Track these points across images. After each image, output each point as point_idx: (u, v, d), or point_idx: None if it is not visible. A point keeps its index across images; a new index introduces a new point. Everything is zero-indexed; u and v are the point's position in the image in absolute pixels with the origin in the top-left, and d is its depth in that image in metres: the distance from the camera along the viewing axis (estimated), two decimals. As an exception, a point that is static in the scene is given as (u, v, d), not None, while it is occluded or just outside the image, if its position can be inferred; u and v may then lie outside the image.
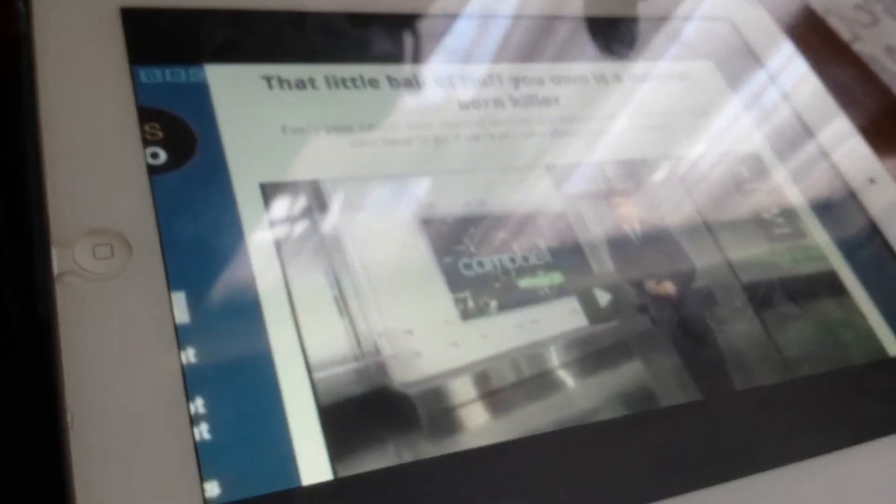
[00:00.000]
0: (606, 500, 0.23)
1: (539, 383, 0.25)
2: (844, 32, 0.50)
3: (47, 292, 0.21)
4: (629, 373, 0.26)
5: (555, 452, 0.24)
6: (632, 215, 0.30)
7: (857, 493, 0.26)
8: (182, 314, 0.22)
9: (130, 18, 0.27)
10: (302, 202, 0.26)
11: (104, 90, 0.25)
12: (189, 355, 0.21)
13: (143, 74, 0.26)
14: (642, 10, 0.37)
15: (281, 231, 0.25)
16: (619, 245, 0.29)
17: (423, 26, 0.32)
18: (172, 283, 0.22)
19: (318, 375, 0.23)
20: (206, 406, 0.21)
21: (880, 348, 0.30)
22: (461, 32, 0.33)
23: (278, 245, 0.25)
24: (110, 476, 0.19)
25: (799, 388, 0.28)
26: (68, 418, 0.19)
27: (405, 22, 0.32)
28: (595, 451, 0.24)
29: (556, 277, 0.27)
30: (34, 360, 0.21)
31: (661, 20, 0.37)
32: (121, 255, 0.22)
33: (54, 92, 0.25)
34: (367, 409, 0.23)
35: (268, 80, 0.28)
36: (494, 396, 0.24)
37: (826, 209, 0.34)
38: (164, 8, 0.28)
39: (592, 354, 0.26)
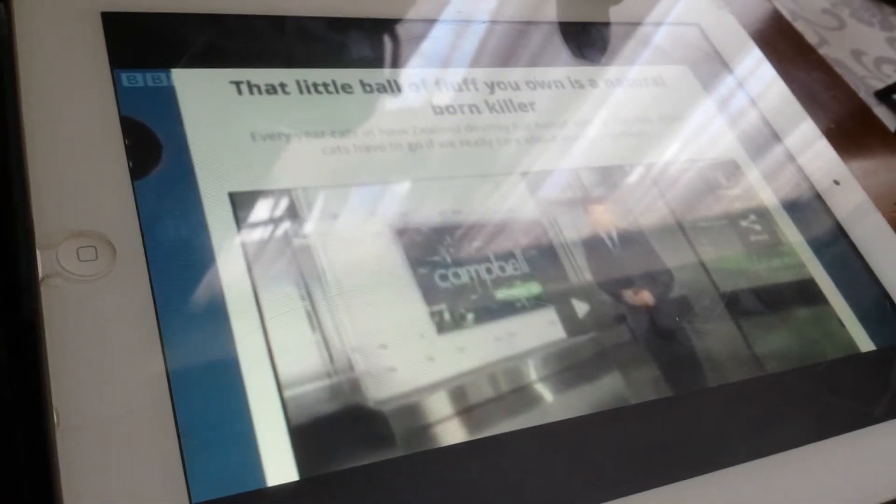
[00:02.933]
0: (580, 495, 0.24)
1: (517, 398, 0.25)
2: (811, 36, 0.51)
3: (32, 294, 0.21)
4: (608, 384, 0.26)
5: (527, 449, 0.24)
6: (609, 223, 0.30)
7: (822, 487, 0.27)
8: (163, 317, 0.22)
9: (111, 23, 0.27)
10: (272, 212, 0.26)
11: (86, 94, 0.26)
12: (170, 358, 0.22)
13: (125, 78, 0.26)
14: (613, 15, 0.38)
15: (250, 243, 0.25)
16: (597, 254, 0.29)
17: (398, 31, 0.32)
18: (156, 286, 0.23)
19: (288, 393, 0.22)
20: (182, 409, 0.21)
21: (852, 345, 0.31)
22: (436, 37, 0.33)
23: (247, 257, 0.24)
24: (97, 475, 0.19)
25: (769, 384, 0.29)
26: (55, 418, 0.20)
27: (379, 26, 0.32)
28: (568, 447, 0.25)
29: (534, 288, 0.27)
30: (20, 361, 0.22)
31: (632, 25, 0.38)
32: (105, 257, 0.22)
33: (36, 95, 0.25)
34: (340, 429, 0.22)
35: (237, 85, 0.28)
36: (471, 412, 0.24)
37: (796, 211, 0.34)
38: (143, 12, 0.28)
39: (571, 367, 0.26)
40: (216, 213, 0.25)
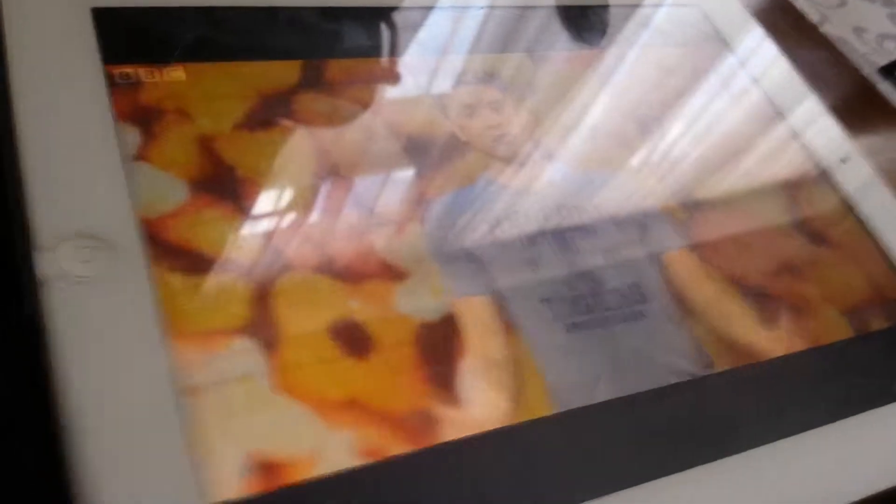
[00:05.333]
0: (593, 483, 0.23)
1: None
2: (813, 14, 0.50)
3: (33, 297, 0.21)
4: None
5: (539, 438, 0.24)
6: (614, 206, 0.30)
7: (839, 468, 0.26)
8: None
9: (102, 18, 0.27)
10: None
11: (79, 91, 0.25)
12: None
13: (118, 75, 0.26)
14: (612, -4, 0.37)
15: None
16: (600, 243, 0.29)
17: (394, 19, 0.32)
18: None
19: None
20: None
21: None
22: (432, 24, 0.33)
23: None
24: (107, 477, 0.19)
25: (784, 365, 0.28)
26: (62, 422, 0.19)
27: (375, 15, 0.32)
28: (580, 434, 0.24)
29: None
30: (24, 366, 0.21)
31: (631, 7, 0.38)
32: (105, 257, 0.22)
33: (28, 94, 0.24)
34: None
35: None
36: None
37: (800, 189, 0.34)
38: (134, 7, 0.28)
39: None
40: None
